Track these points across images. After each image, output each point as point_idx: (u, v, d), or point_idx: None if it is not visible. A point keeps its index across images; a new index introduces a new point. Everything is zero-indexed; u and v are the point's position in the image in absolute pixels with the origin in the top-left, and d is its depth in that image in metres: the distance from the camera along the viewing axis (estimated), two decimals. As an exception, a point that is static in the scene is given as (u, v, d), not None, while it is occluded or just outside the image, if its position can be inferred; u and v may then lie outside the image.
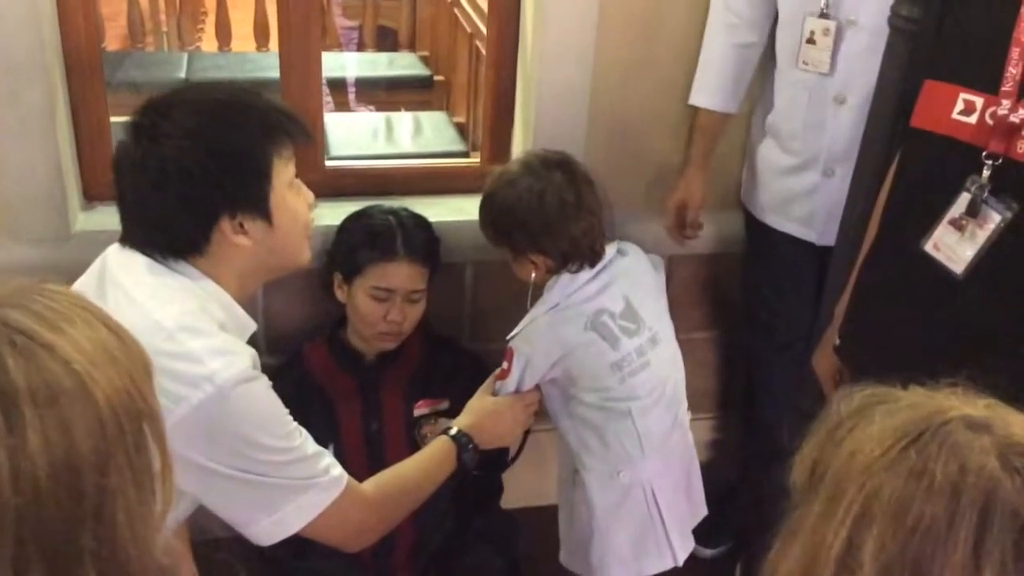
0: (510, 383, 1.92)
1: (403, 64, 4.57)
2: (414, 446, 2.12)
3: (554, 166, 1.92)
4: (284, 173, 1.48)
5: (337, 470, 1.50)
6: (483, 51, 3.75)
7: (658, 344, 1.99)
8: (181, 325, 1.37)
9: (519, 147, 2.32)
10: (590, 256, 1.93)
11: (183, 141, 1.40)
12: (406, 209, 2.14)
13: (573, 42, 2.14)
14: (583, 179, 1.93)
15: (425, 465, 1.74)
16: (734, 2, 2.13)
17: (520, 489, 2.37)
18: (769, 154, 2.23)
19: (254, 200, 1.45)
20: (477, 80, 3.84)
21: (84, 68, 2.08)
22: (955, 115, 1.51)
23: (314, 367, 2.17)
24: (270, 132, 1.46)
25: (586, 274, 1.94)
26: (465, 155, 3.62)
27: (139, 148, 1.42)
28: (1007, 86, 1.45)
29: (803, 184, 2.16)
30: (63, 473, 0.72)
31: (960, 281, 1.51)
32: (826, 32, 1.96)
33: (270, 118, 1.47)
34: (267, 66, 4.49)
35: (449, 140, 3.73)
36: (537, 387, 1.96)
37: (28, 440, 0.70)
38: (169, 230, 1.43)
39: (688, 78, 2.24)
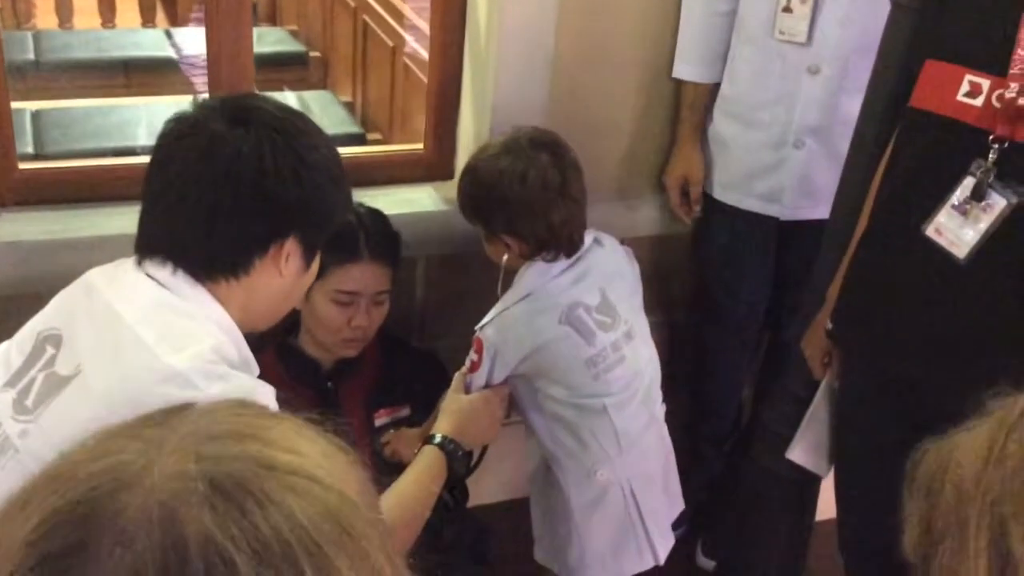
0: (480, 376, 1.83)
1: (272, 40, 4.30)
2: (377, 458, 2.00)
3: (541, 147, 1.81)
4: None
5: None
6: (372, 25, 3.59)
7: (633, 338, 1.92)
8: (197, 369, 1.20)
9: (467, 132, 2.19)
10: (567, 246, 1.84)
11: (281, 136, 1.28)
12: (363, 204, 1.97)
13: (533, 20, 2.03)
14: (571, 164, 1.83)
15: (421, 480, 1.66)
16: None
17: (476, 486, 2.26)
18: (727, 129, 2.19)
19: (317, 235, 1.36)
20: (365, 57, 3.66)
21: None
22: (960, 97, 1.48)
23: (264, 380, 1.97)
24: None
25: (561, 264, 1.85)
26: (361, 137, 3.45)
27: (233, 133, 1.26)
28: (1015, 69, 1.43)
29: (769, 158, 2.13)
30: None
31: (962, 266, 1.49)
32: (803, 0, 1.92)
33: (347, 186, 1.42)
34: (120, 44, 4.17)
35: (340, 121, 3.54)
36: (505, 380, 1.87)
37: None
38: (226, 236, 1.27)
39: (654, 53, 2.17)
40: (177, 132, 1.30)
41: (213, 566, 0.50)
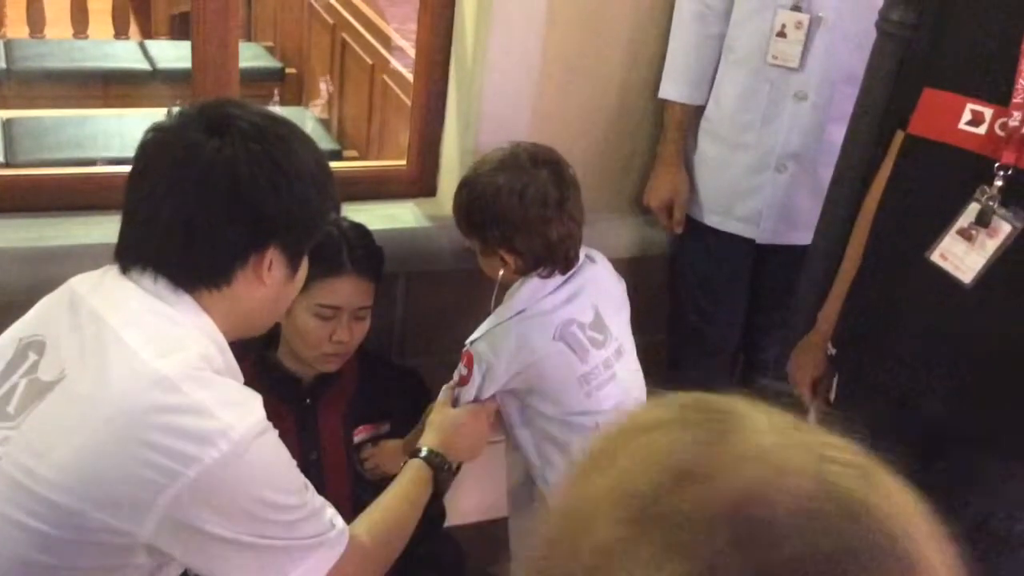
0: (469, 390, 1.80)
1: (249, 55, 4.27)
2: (355, 475, 1.98)
3: (542, 163, 1.80)
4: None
5: (340, 521, 1.36)
6: (350, 42, 3.59)
7: (623, 356, 1.92)
8: (185, 374, 1.17)
9: (452, 149, 2.19)
10: (564, 263, 1.83)
11: (258, 145, 1.25)
12: (346, 218, 1.96)
13: (521, 37, 2.02)
14: (571, 182, 1.82)
15: (407, 494, 1.62)
16: None
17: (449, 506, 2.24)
18: (710, 150, 2.19)
19: (300, 241, 1.33)
20: (343, 74, 3.65)
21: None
22: (962, 125, 1.50)
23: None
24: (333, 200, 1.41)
25: (555, 280, 1.83)
26: (338, 154, 3.44)
27: (210, 142, 1.23)
28: (1018, 98, 1.45)
29: (750, 181, 2.13)
30: None
31: (968, 290, 1.51)
32: (798, 26, 1.95)
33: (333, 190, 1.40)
34: (94, 55, 4.14)
35: (316, 137, 3.47)
36: (493, 396, 1.84)
37: None
38: (204, 249, 1.24)
39: (639, 74, 2.17)
40: (155, 141, 1.29)
41: None
